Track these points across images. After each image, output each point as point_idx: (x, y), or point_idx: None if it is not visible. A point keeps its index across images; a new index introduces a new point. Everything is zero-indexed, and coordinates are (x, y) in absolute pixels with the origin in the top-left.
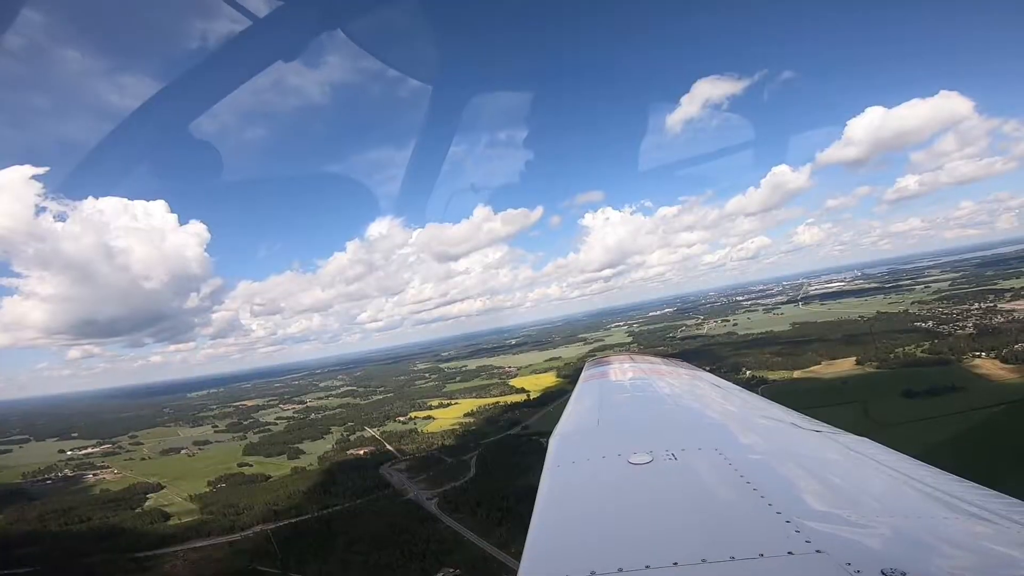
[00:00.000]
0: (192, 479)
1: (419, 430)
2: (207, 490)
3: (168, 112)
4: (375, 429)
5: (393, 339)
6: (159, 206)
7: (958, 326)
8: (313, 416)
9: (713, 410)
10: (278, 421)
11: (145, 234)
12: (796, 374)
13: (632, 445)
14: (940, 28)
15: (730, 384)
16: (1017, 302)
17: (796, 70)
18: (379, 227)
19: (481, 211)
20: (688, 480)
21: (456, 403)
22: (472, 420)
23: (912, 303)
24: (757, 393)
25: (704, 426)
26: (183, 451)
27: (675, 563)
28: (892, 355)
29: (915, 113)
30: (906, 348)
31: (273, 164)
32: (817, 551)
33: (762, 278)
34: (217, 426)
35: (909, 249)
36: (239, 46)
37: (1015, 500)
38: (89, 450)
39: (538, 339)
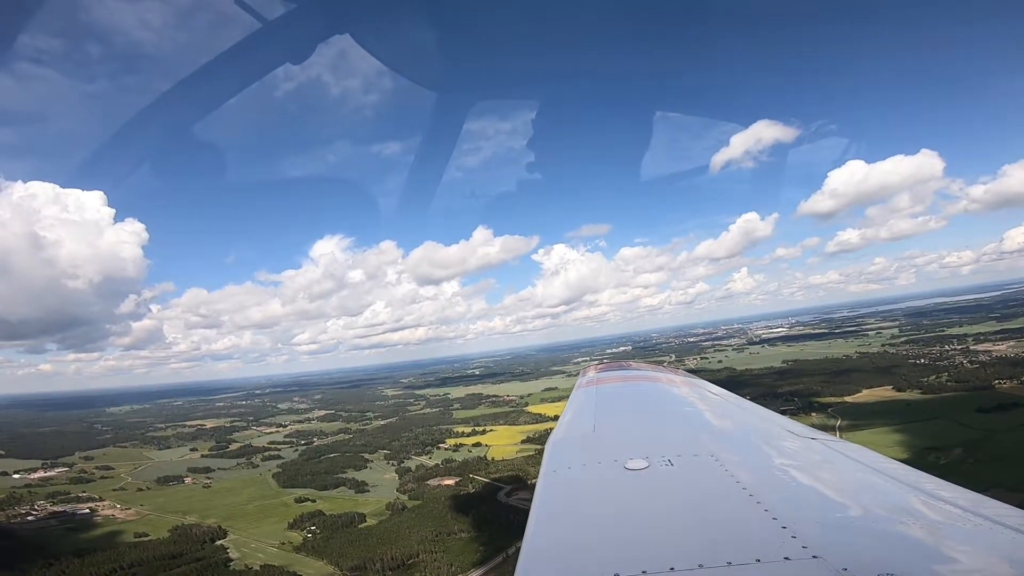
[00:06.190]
0: (250, 519)
1: (487, 457)
2: (298, 535)
3: (161, 110)
4: (424, 457)
5: (323, 363)
6: (95, 197)
7: (953, 363)
8: (317, 442)
9: (709, 417)
10: (276, 446)
11: (76, 227)
12: (848, 399)
13: (628, 451)
14: (928, 85)
15: (725, 391)
16: (985, 344)
17: (821, 121)
18: (363, 242)
19: (482, 233)
20: (684, 486)
21: (492, 430)
22: (539, 446)
23: (882, 346)
24: (833, 415)
25: (700, 432)
26: (186, 480)
27: (672, 568)
28: (925, 382)
29: (895, 169)
30: (930, 378)
31: (256, 168)
32: (814, 556)
33: (695, 322)
34: (196, 449)
35: (819, 301)
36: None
37: (1009, 506)
38: (41, 474)
39: (507, 371)
